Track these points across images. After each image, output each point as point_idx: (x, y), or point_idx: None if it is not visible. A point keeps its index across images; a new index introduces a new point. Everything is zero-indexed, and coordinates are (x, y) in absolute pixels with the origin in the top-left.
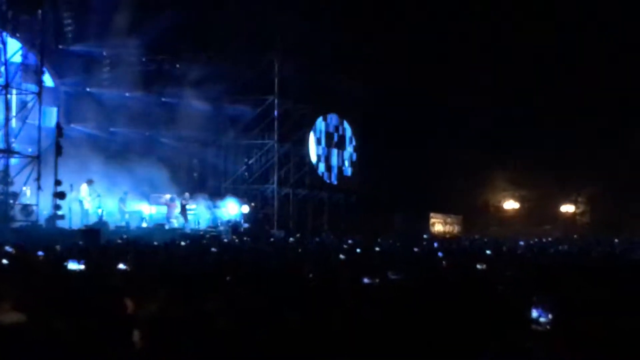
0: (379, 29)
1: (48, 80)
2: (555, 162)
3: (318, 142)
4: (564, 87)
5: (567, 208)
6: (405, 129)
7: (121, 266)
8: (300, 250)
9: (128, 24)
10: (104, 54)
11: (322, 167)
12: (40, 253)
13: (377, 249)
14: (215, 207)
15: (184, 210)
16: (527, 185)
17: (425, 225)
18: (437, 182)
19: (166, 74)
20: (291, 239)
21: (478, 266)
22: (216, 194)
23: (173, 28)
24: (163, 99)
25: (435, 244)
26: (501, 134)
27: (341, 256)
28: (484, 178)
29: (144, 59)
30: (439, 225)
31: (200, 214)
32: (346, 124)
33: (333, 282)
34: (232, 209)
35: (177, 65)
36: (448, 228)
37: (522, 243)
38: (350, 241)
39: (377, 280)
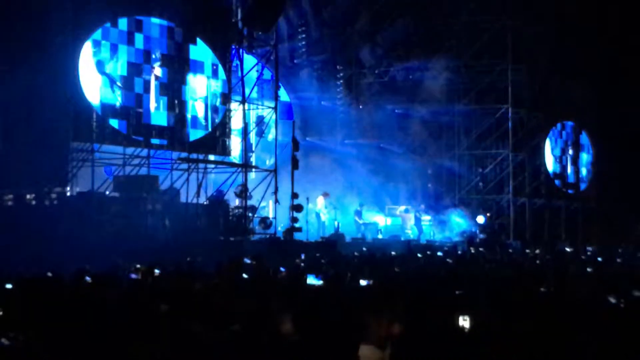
0: (616, 33)
1: (283, 94)
2: None
3: (554, 150)
4: None
5: None
6: None
7: (362, 282)
8: (538, 261)
9: (362, 36)
10: (338, 66)
11: (558, 176)
12: (282, 269)
13: (618, 260)
14: (447, 219)
15: (418, 221)
16: None
17: None
18: None
19: (399, 85)
20: (527, 250)
21: None
22: (450, 205)
23: (406, 38)
24: (396, 110)
25: None
26: None
27: (588, 269)
28: None
29: (376, 71)
30: None
31: (435, 225)
32: (583, 131)
33: (571, 297)
34: (459, 222)
35: (410, 77)
36: None
37: None
38: (589, 249)
39: (623, 301)
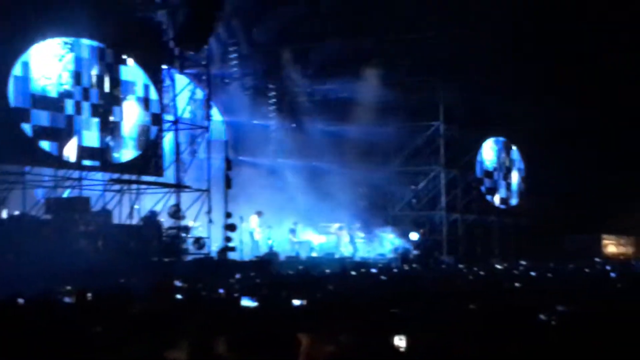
0: (548, 49)
1: (216, 113)
2: None
3: (485, 166)
4: None
5: None
6: (576, 149)
7: (295, 302)
8: (470, 277)
9: (292, 55)
10: (269, 85)
11: (490, 192)
12: (220, 291)
13: (549, 274)
14: (379, 237)
15: (352, 239)
16: None
17: (598, 247)
18: (609, 204)
19: (332, 102)
20: (460, 265)
21: None
22: (384, 222)
23: (338, 57)
24: (329, 128)
25: (608, 267)
26: None
27: (516, 284)
28: None
29: (309, 89)
30: (611, 247)
31: (369, 242)
32: (514, 147)
33: (504, 315)
34: (392, 239)
35: (342, 95)
36: (622, 249)
37: None
38: (523, 262)
39: (554, 318)
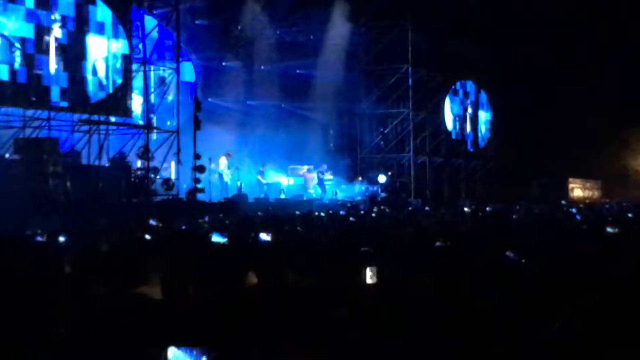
0: None
1: (185, 55)
2: None
3: (453, 109)
4: None
5: None
6: (542, 94)
7: (264, 236)
8: (434, 218)
9: None
10: (239, 27)
11: (458, 135)
12: (183, 227)
13: (514, 217)
14: (347, 178)
15: (321, 181)
16: None
17: (564, 190)
18: (575, 148)
19: (300, 45)
20: (427, 208)
21: (609, 229)
22: (352, 164)
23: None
24: (298, 71)
25: (573, 210)
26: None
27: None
28: (623, 142)
29: (277, 31)
30: (578, 190)
31: (336, 184)
32: (482, 91)
33: (464, 254)
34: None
35: (311, 37)
36: (587, 193)
37: None
38: (488, 208)
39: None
